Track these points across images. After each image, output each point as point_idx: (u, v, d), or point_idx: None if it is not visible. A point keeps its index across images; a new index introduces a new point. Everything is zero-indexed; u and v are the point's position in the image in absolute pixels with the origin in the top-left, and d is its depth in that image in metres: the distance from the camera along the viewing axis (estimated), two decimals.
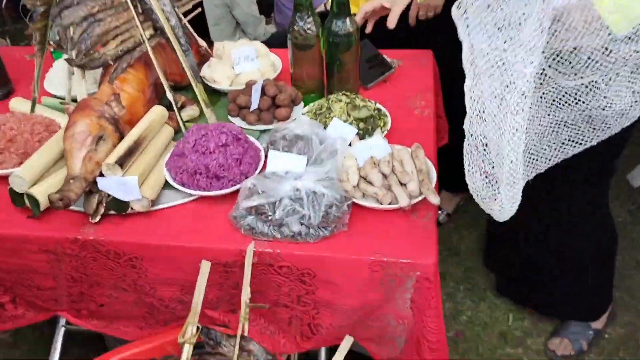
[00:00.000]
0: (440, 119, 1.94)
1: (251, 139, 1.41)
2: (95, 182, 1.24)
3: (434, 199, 1.21)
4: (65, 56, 1.36)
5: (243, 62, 1.65)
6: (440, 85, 1.91)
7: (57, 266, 1.32)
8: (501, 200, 0.96)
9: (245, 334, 1.22)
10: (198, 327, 1.24)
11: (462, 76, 2.27)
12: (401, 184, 1.25)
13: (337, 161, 1.20)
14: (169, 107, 1.47)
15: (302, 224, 1.18)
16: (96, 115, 1.25)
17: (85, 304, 1.42)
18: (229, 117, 1.54)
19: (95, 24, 1.30)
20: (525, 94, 0.81)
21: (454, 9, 0.88)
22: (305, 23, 1.49)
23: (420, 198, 1.25)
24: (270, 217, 1.18)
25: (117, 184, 1.21)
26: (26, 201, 1.27)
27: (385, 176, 1.26)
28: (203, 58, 1.74)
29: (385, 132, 1.45)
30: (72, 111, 1.26)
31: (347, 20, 1.49)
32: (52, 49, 1.42)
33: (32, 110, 1.51)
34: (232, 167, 1.28)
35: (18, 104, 1.55)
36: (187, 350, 1.23)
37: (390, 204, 1.24)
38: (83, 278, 1.34)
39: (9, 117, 1.41)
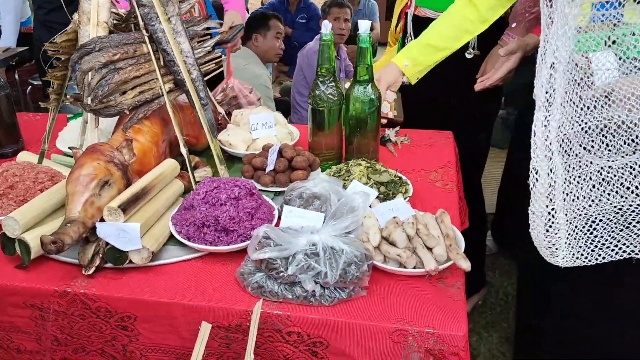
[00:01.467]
0: (461, 202, 1.86)
1: (265, 197, 1.33)
2: (93, 231, 1.14)
3: (464, 264, 1.10)
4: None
5: (261, 128, 1.61)
6: (460, 167, 1.86)
7: (41, 325, 1.18)
8: (537, 231, 0.87)
9: None
10: None
11: (479, 160, 2.23)
12: (427, 248, 1.15)
13: (358, 216, 1.11)
14: (182, 165, 1.41)
15: (317, 282, 1.06)
16: (105, 160, 1.18)
17: None
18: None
19: (114, 72, 1.28)
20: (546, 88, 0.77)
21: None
22: (327, 87, 1.47)
23: (447, 264, 1.13)
24: (281, 274, 1.06)
25: (117, 231, 1.11)
26: (17, 249, 1.17)
27: (409, 238, 1.15)
28: (220, 126, 1.71)
29: (407, 198, 1.37)
30: (80, 155, 1.20)
31: (369, 86, 1.47)
32: (69, 102, 1.39)
33: (40, 161, 1.46)
34: (244, 221, 1.18)
35: (26, 157, 1.50)
36: None
37: (414, 268, 1.12)
38: (68, 341, 1.19)
39: (13, 164, 1.35)
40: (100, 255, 1.15)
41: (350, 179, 1.36)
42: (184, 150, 1.37)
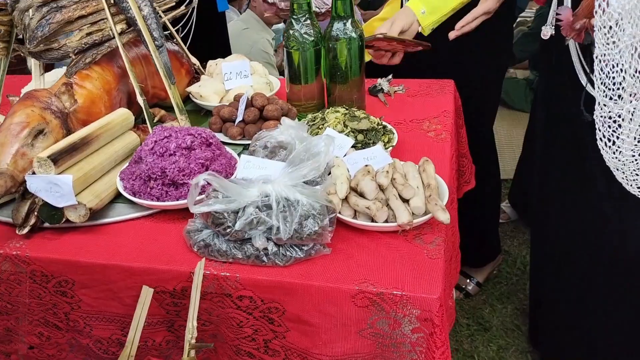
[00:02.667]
0: (463, 159, 1.68)
1: (228, 149, 1.18)
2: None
3: (443, 216, 0.93)
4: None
5: (235, 77, 1.46)
6: (463, 120, 1.68)
7: None
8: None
9: None
10: None
11: (488, 116, 2.02)
12: (403, 200, 0.98)
13: (319, 162, 0.95)
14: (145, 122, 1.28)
15: (269, 239, 0.92)
16: (40, 106, 1.05)
17: (13, 346, 1.15)
18: None
19: (56, 11, 1.14)
20: None
21: None
22: (302, 26, 1.30)
23: (425, 218, 0.97)
24: (229, 230, 0.92)
25: (48, 185, 0.98)
26: None
27: (382, 189, 0.99)
28: (195, 79, 1.57)
29: (390, 148, 1.20)
30: (16, 102, 1.07)
31: (349, 23, 1.29)
32: (22, 54, 1.26)
33: None
34: (195, 173, 1.04)
35: None
36: None
37: (387, 222, 0.96)
38: (9, 309, 1.08)
39: None
40: (36, 213, 1.03)
41: (324, 127, 1.20)
42: (140, 100, 1.23)
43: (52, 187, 0.99)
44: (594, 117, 0.82)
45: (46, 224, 1.05)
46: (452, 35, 1.41)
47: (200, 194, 0.98)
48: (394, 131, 1.27)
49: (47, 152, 1.00)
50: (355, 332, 0.91)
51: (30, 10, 1.13)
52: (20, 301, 1.06)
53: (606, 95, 0.76)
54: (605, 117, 0.79)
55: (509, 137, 3.40)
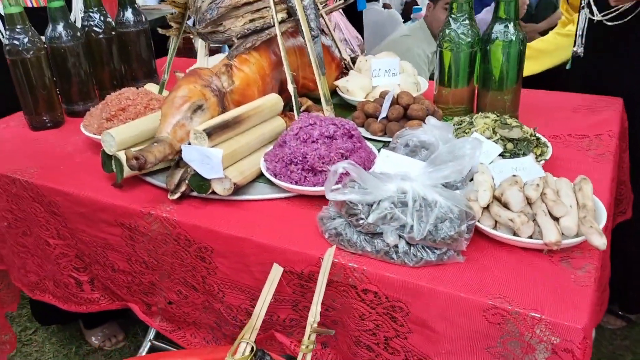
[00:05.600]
0: (622, 186, 1.52)
1: (369, 144, 1.17)
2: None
3: (599, 240, 0.84)
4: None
5: (383, 75, 1.45)
6: (627, 143, 1.51)
7: (131, 245, 1.18)
8: None
9: None
10: (253, 349, 0.98)
11: None
12: (553, 218, 0.90)
13: (463, 164, 0.90)
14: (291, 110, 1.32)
15: (401, 237, 0.89)
16: (202, 84, 1.13)
17: (155, 298, 1.25)
18: None
19: None
20: None
21: None
22: (459, 26, 1.26)
23: (576, 240, 0.88)
24: (361, 222, 0.91)
25: (200, 156, 1.05)
26: (113, 166, 1.17)
27: (529, 202, 0.92)
28: (343, 74, 1.58)
29: (542, 162, 1.11)
30: (181, 78, 1.16)
31: (511, 25, 1.22)
32: (191, 36, 1.36)
33: (160, 92, 1.47)
34: (334, 162, 1.05)
35: (151, 87, 1.52)
36: None
37: (531, 238, 0.89)
38: (155, 265, 1.18)
39: (130, 89, 1.36)
40: (187, 182, 1.10)
41: (471, 132, 1.14)
42: (290, 87, 1.27)
43: (204, 158, 1.05)
44: None
45: (194, 193, 1.12)
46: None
47: (337, 182, 0.98)
48: (549, 144, 1.17)
49: (203, 126, 1.07)
50: (483, 348, 0.85)
51: None
52: (165, 260, 1.15)
53: None
54: None
55: None
